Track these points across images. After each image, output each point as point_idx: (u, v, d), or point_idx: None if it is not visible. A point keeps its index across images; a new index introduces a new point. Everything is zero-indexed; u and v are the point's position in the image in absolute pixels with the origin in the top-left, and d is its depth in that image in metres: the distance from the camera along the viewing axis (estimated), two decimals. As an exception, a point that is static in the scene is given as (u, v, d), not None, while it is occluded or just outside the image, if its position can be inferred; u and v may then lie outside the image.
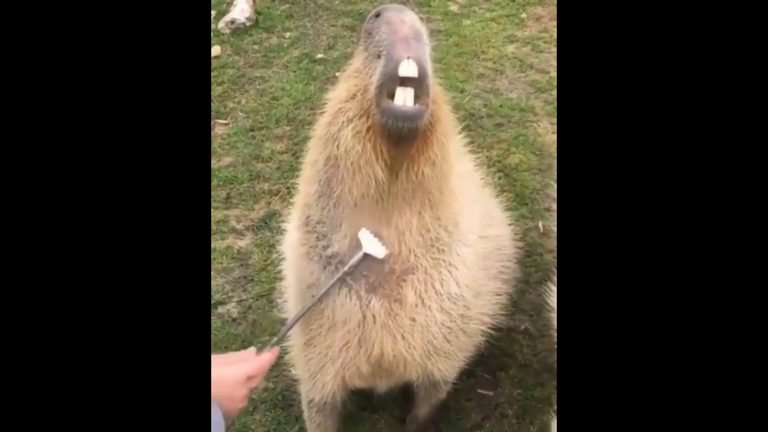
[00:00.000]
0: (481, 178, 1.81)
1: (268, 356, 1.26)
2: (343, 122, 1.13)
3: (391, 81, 1.06)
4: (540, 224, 2.43)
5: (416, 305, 1.33)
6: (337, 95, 1.17)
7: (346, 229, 1.26)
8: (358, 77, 1.13)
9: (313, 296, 1.32)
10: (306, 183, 1.32)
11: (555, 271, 1.76)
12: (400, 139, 1.09)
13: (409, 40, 1.07)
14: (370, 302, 1.31)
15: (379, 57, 1.09)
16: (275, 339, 1.31)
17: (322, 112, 1.22)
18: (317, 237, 1.31)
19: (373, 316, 1.32)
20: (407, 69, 1.04)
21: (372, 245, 1.23)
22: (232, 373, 1.18)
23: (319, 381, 1.47)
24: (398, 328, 1.34)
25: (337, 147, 1.14)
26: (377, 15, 1.12)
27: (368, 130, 1.10)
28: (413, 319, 1.34)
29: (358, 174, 1.14)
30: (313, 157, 1.25)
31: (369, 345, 1.36)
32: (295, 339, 1.53)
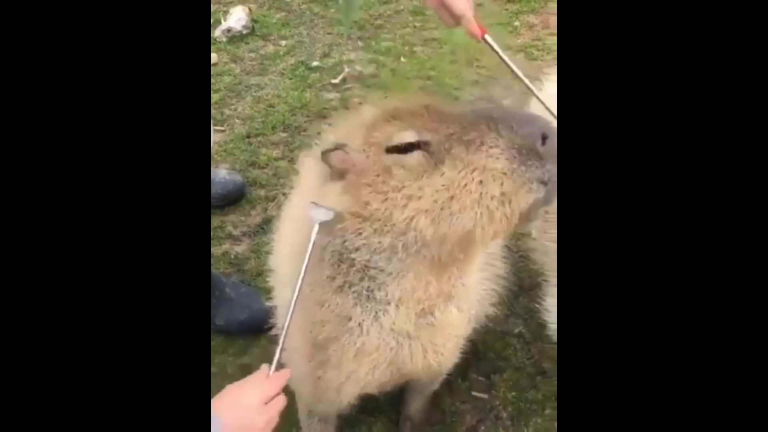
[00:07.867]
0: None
1: (283, 375, 1.19)
2: None
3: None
4: (533, 229, 2.46)
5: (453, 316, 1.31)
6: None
7: None
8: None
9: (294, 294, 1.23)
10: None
11: (547, 274, 1.79)
12: None
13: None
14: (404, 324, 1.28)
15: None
16: (276, 357, 1.21)
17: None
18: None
19: (409, 338, 1.30)
20: None
21: (320, 214, 1.18)
22: (245, 400, 1.11)
23: (333, 400, 1.43)
24: (431, 344, 1.33)
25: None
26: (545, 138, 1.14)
27: None
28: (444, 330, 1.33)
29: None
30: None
31: (399, 362, 1.33)
32: (300, 362, 1.42)
